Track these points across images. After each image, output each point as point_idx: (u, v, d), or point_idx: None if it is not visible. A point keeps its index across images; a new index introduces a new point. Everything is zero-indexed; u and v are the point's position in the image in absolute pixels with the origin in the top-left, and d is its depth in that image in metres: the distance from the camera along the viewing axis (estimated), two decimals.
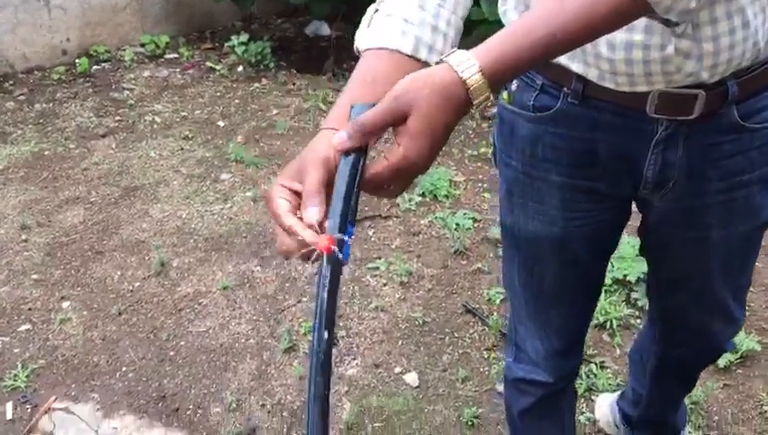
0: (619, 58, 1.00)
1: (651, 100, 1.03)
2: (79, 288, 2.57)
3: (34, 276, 2.63)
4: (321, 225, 0.74)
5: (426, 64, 0.87)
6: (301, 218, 0.76)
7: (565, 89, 1.08)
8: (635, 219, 1.29)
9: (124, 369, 2.24)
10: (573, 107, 1.09)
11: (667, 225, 1.20)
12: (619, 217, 1.23)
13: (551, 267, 1.26)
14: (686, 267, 1.26)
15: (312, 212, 0.75)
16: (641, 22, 0.96)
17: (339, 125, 0.78)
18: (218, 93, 4.00)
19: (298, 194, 0.78)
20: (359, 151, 0.75)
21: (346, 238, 0.73)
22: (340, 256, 0.72)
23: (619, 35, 0.98)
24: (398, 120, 0.75)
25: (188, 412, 2.09)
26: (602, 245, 1.27)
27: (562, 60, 1.06)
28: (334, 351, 2.28)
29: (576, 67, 1.05)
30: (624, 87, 1.03)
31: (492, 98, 0.77)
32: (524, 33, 0.77)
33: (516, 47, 0.77)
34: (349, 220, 0.74)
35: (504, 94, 1.16)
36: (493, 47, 0.77)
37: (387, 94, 0.75)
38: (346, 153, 0.75)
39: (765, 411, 2.01)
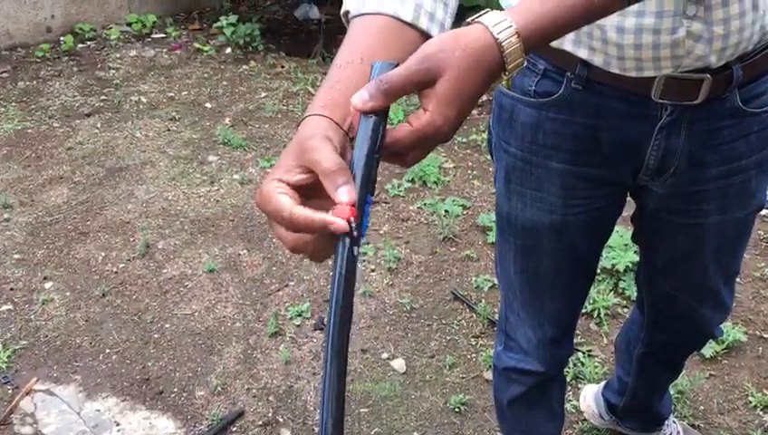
0: (628, 42, 0.98)
1: (657, 85, 1.02)
2: (62, 269, 2.53)
3: (16, 256, 2.59)
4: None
5: (425, 36, 0.79)
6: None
7: (569, 74, 1.07)
8: (625, 209, 1.28)
9: (107, 351, 2.21)
10: (577, 92, 1.07)
11: (664, 211, 1.20)
12: (617, 204, 1.23)
13: (548, 254, 1.24)
14: (680, 253, 1.26)
15: (344, 191, 0.64)
16: (652, 6, 0.94)
17: (328, 112, 0.71)
18: (206, 75, 3.95)
19: (296, 188, 0.68)
20: (379, 114, 0.67)
21: (367, 209, 0.66)
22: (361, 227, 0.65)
23: (629, 20, 0.96)
24: (425, 83, 0.68)
25: (173, 395, 2.07)
26: (600, 231, 1.26)
27: (567, 45, 1.04)
28: (321, 336, 2.27)
29: (581, 52, 1.04)
30: (631, 72, 1.02)
31: (525, 64, 0.71)
32: None
33: (553, 8, 0.71)
34: (368, 190, 0.66)
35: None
36: (529, 8, 0.70)
37: (414, 54, 0.68)
38: (366, 115, 0.67)
39: (750, 402, 2.02)
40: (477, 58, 0.68)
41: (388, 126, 0.70)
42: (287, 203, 0.66)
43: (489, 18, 0.69)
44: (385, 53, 0.73)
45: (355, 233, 0.65)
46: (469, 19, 0.71)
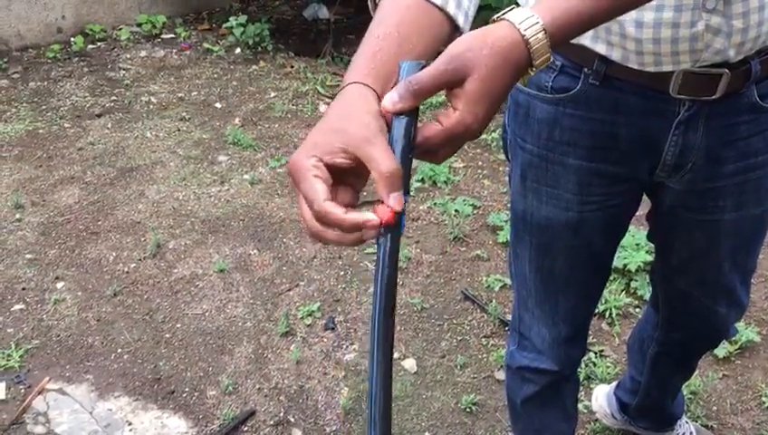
0: (647, 37, 0.98)
1: (675, 80, 1.02)
2: (73, 268, 2.54)
3: (28, 256, 2.60)
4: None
5: (450, 21, 0.80)
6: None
7: (586, 69, 1.06)
8: (638, 209, 1.28)
9: (119, 350, 2.22)
10: (594, 88, 1.07)
11: (680, 208, 1.20)
12: (633, 201, 1.22)
13: (563, 252, 1.24)
14: (696, 250, 1.26)
15: (397, 198, 0.65)
16: (671, 0, 0.94)
17: (371, 81, 0.71)
18: (215, 75, 3.96)
19: (331, 168, 0.68)
20: (410, 113, 0.69)
21: (404, 207, 0.68)
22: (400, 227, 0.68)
23: (648, 14, 0.96)
24: (454, 83, 0.69)
25: (184, 395, 2.07)
26: (615, 229, 1.26)
27: (585, 41, 1.03)
28: (332, 336, 2.27)
29: (599, 48, 1.03)
30: (649, 67, 1.02)
31: (551, 60, 0.72)
32: None
33: (579, 3, 0.71)
34: (405, 189, 0.68)
35: None
36: (555, 4, 0.71)
37: (442, 54, 0.69)
38: (397, 115, 0.69)
39: (764, 402, 2.00)
40: (505, 56, 0.68)
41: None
42: (321, 193, 0.66)
43: (515, 15, 0.70)
44: (416, 28, 0.75)
45: (381, 236, 0.67)
46: (495, 17, 0.72)
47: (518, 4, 1.10)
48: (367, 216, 0.66)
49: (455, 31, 0.82)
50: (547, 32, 0.69)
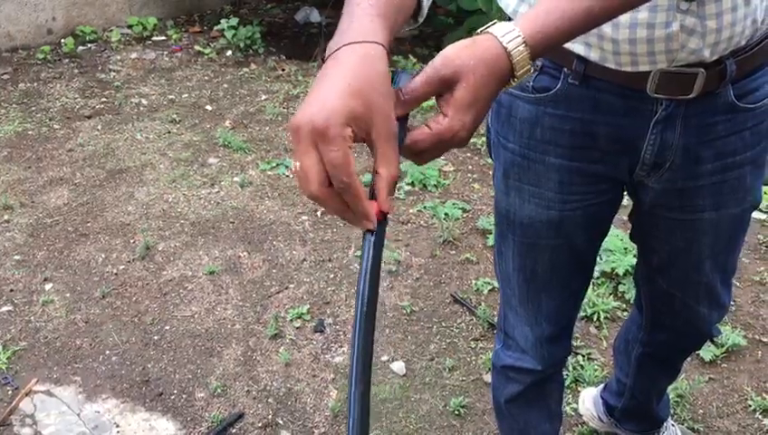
0: (623, 38, 1.00)
1: (652, 79, 1.04)
2: (62, 270, 2.54)
3: (16, 257, 2.59)
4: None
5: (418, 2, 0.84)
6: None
7: (566, 70, 1.09)
8: (623, 213, 1.29)
9: (107, 352, 2.21)
10: (574, 88, 1.09)
11: (660, 207, 1.22)
12: (614, 200, 1.24)
13: (546, 250, 1.25)
14: (676, 250, 1.27)
15: (388, 201, 0.71)
16: None
17: (381, 39, 0.72)
18: (206, 77, 3.96)
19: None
20: (401, 119, 0.74)
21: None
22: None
23: (624, 15, 0.98)
24: (444, 89, 0.73)
25: (172, 397, 2.07)
26: (596, 228, 1.28)
27: None
28: (321, 338, 2.27)
29: (578, 48, 1.05)
30: (627, 67, 1.04)
31: (532, 71, 0.77)
32: (565, 6, 0.77)
33: (557, 19, 0.76)
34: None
35: None
36: (534, 18, 0.76)
37: (433, 61, 0.74)
38: None
39: (750, 406, 2.02)
40: (490, 66, 0.73)
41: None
42: (354, 168, 0.68)
43: (498, 29, 0.75)
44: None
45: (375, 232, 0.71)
46: (479, 30, 0.76)
47: (502, 11, 1.12)
48: (372, 211, 0.70)
49: (417, 13, 0.86)
50: (528, 44, 0.74)
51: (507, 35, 0.74)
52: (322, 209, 2.81)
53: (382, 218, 0.71)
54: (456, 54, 0.73)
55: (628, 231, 1.38)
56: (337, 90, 0.68)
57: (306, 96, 0.71)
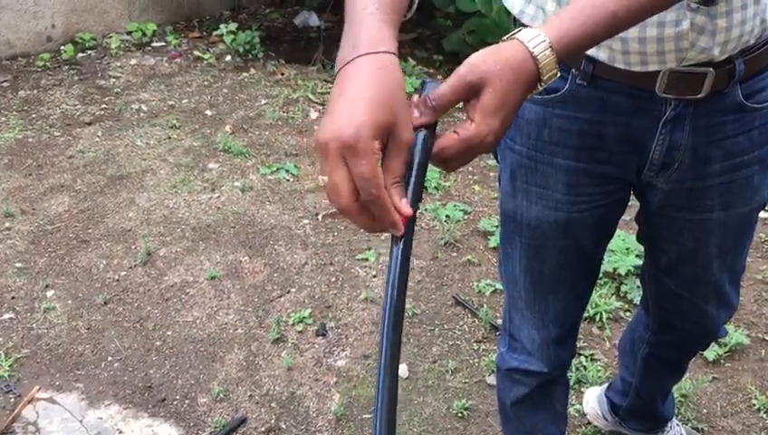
0: (633, 36, 1.00)
1: (661, 79, 1.03)
2: (63, 277, 2.53)
3: (18, 265, 2.59)
4: None
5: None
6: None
7: (574, 70, 1.08)
8: (627, 213, 1.29)
9: (110, 359, 2.21)
10: (582, 89, 1.09)
11: (668, 208, 1.21)
12: (621, 201, 1.24)
13: (553, 252, 1.25)
14: (685, 250, 1.27)
15: (408, 205, 0.73)
16: None
17: (394, 48, 0.74)
18: (206, 82, 3.96)
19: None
20: (429, 127, 0.74)
21: (415, 215, 0.74)
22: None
23: None
24: (471, 94, 0.74)
25: (175, 402, 2.07)
26: (604, 229, 1.27)
27: None
28: (323, 342, 2.26)
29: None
30: (636, 67, 1.03)
31: (558, 75, 0.78)
32: (590, 12, 0.78)
33: (582, 24, 0.77)
34: (418, 199, 0.75)
35: None
36: (559, 24, 0.77)
37: (460, 67, 0.75)
38: (417, 128, 0.74)
39: (753, 405, 2.01)
40: (517, 71, 0.74)
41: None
42: (382, 180, 0.69)
43: (524, 34, 0.76)
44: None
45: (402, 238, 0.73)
46: (506, 36, 0.78)
47: (509, 14, 1.12)
48: (399, 219, 0.71)
49: (407, 9, 0.86)
50: (554, 49, 0.75)
51: (533, 40, 0.75)
52: (323, 213, 2.81)
53: (408, 224, 0.72)
54: (482, 60, 0.74)
55: (631, 231, 1.38)
56: (362, 103, 0.69)
57: (327, 110, 0.71)
